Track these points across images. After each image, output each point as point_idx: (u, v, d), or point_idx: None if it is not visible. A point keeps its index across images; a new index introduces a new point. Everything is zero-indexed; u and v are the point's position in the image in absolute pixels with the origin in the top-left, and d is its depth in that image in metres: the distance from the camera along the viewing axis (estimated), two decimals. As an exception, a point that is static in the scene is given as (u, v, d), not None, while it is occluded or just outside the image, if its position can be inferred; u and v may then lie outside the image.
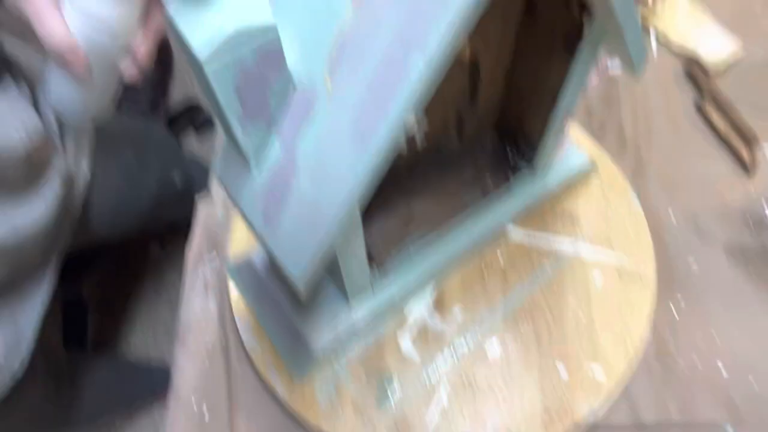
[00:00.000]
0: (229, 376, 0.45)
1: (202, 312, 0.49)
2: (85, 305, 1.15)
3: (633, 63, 0.35)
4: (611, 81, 0.61)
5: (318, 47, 0.28)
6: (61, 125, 0.57)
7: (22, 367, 0.56)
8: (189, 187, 0.85)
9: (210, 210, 0.54)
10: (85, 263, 1.09)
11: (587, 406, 0.41)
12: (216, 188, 0.56)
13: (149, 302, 1.19)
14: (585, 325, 0.45)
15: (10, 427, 0.60)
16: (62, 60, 0.38)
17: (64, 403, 0.75)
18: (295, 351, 0.42)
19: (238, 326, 0.46)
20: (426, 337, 0.45)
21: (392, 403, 0.42)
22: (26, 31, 0.40)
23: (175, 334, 0.48)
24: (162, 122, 1.34)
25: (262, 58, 0.26)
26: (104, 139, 0.66)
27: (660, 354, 0.44)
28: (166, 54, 1.23)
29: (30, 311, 0.57)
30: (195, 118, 1.38)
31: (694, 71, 0.60)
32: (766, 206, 0.51)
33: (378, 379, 0.43)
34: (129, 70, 0.42)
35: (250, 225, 0.32)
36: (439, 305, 0.46)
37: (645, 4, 0.64)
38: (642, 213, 0.50)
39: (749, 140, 0.54)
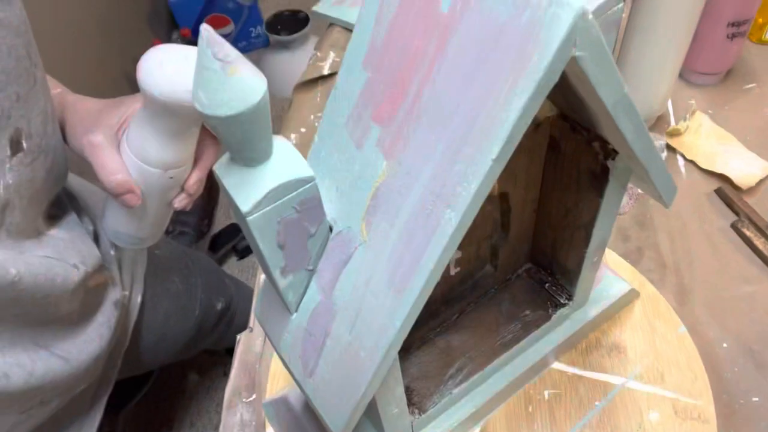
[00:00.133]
0: None
1: (237, 453, 0.47)
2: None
3: (662, 198, 0.35)
4: (643, 203, 0.62)
5: (354, 197, 0.29)
6: (120, 257, 0.59)
7: None
8: (230, 314, 0.86)
9: (249, 345, 0.55)
10: (127, 392, 1.08)
11: None
12: (256, 324, 0.56)
13: (185, 434, 1.16)
14: (643, 469, 0.41)
15: None
16: (119, 196, 0.41)
17: None
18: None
19: (274, 469, 0.44)
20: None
21: None
22: (87, 170, 0.43)
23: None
24: (206, 247, 1.39)
25: (301, 207, 0.28)
26: (154, 265, 0.67)
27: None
28: (212, 182, 1.30)
29: None
30: (237, 243, 1.43)
31: (726, 190, 0.60)
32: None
33: None
34: (180, 200, 0.45)
35: (289, 369, 0.32)
36: (484, 446, 0.44)
37: (669, 132, 0.66)
38: (692, 342, 0.48)
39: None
